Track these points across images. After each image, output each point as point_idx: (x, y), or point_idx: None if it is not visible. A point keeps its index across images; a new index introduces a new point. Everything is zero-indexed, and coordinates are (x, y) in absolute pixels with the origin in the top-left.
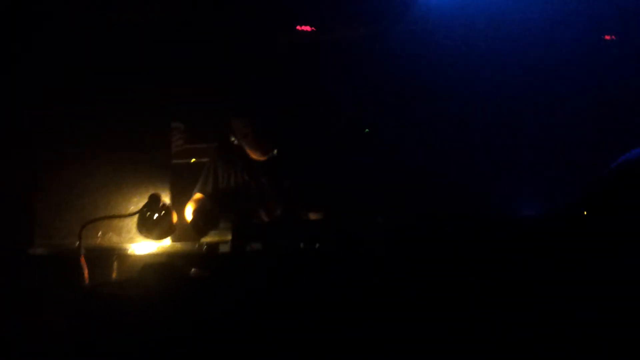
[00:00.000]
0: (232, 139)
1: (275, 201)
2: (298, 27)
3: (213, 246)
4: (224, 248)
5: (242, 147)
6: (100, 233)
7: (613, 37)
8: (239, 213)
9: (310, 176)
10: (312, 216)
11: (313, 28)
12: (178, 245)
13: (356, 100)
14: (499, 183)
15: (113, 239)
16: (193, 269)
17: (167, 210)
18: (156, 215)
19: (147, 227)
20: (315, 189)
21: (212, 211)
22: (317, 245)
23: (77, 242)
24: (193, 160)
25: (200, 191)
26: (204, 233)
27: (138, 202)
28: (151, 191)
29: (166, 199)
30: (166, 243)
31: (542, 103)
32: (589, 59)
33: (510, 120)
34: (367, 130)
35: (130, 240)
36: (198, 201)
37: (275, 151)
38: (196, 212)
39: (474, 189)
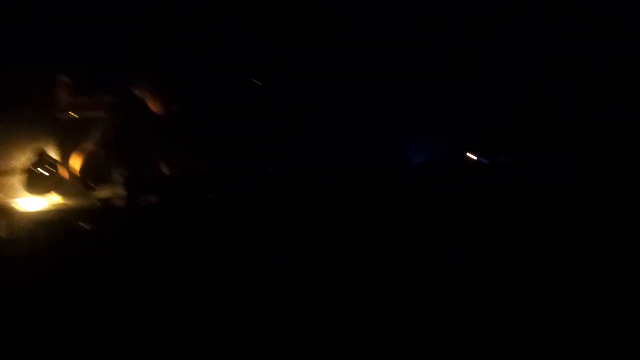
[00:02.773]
0: (136, 91)
1: (175, 157)
2: None
3: (105, 200)
4: (118, 202)
5: (145, 101)
6: None
7: None
8: (130, 166)
9: (207, 135)
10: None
11: None
12: (68, 201)
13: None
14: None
15: None
16: (83, 224)
17: (55, 165)
18: (44, 170)
19: (34, 182)
20: (214, 147)
21: (99, 165)
22: (211, 197)
23: None
24: (76, 115)
25: (94, 141)
26: (92, 188)
27: (23, 158)
28: (36, 147)
29: (53, 153)
30: (55, 198)
31: None
32: None
33: None
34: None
35: (17, 196)
36: (86, 154)
37: (178, 108)
38: (82, 167)
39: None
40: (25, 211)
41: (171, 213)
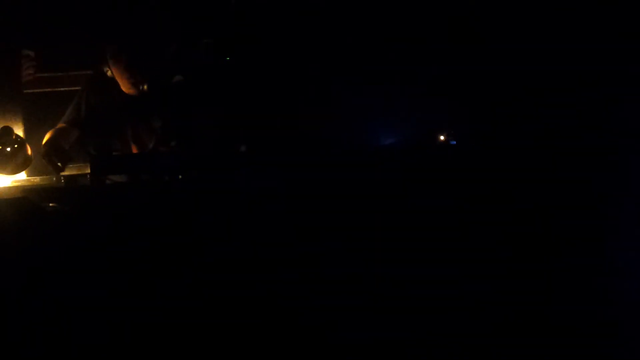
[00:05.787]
0: (106, 69)
1: (145, 136)
2: None
3: (71, 179)
4: (84, 181)
5: (116, 79)
6: None
7: None
8: (98, 145)
9: (178, 115)
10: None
11: None
12: (34, 179)
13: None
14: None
15: None
16: (51, 204)
17: (21, 143)
18: (9, 148)
19: (1, 160)
20: (182, 128)
21: (67, 144)
22: (180, 176)
23: None
24: (44, 91)
25: (67, 120)
26: (57, 166)
27: None
28: (2, 124)
29: (19, 131)
30: (21, 177)
31: None
32: None
33: None
34: (227, 58)
35: None
36: (54, 132)
37: (146, 86)
38: (50, 145)
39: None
40: None
41: (139, 193)
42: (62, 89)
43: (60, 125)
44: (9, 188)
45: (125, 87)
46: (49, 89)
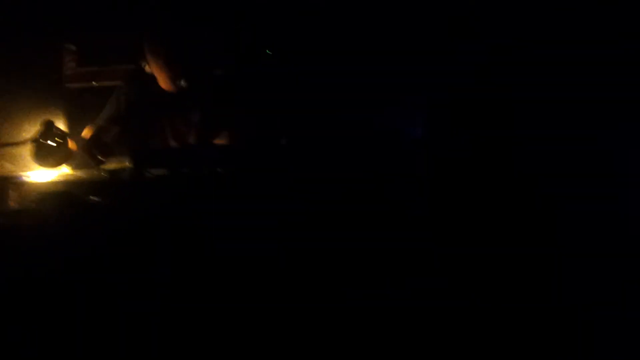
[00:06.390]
0: (144, 64)
1: (184, 131)
2: None
3: (113, 173)
4: (124, 175)
5: (154, 74)
6: None
7: None
8: (138, 139)
9: (217, 107)
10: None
11: None
12: (77, 173)
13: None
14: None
15: (7, 167)
16: (92, 197)
17: (63, 136)
18: (51, 142)
19: (43, 154)
20: (222, 120)
21: (108, 138)
22: (219, 170)
23: None
24: (94, 83)
25: (106, 117)
26: (100, 160)
27: (30, 129)
28: (44, 117)
29: (61, 125)
30: (64, 170)
31: None
32: None
33: None
34: (268, 52)
35: (26, 168)
36: (95, 127)
37: (184, 82)
38: (91, 139)
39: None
40: (33, 183)
41: (179, 186)
42: (103, 83)
43: (97, 119)
44: (53, 182)
45: (163, 82)
46: (90, 83)
